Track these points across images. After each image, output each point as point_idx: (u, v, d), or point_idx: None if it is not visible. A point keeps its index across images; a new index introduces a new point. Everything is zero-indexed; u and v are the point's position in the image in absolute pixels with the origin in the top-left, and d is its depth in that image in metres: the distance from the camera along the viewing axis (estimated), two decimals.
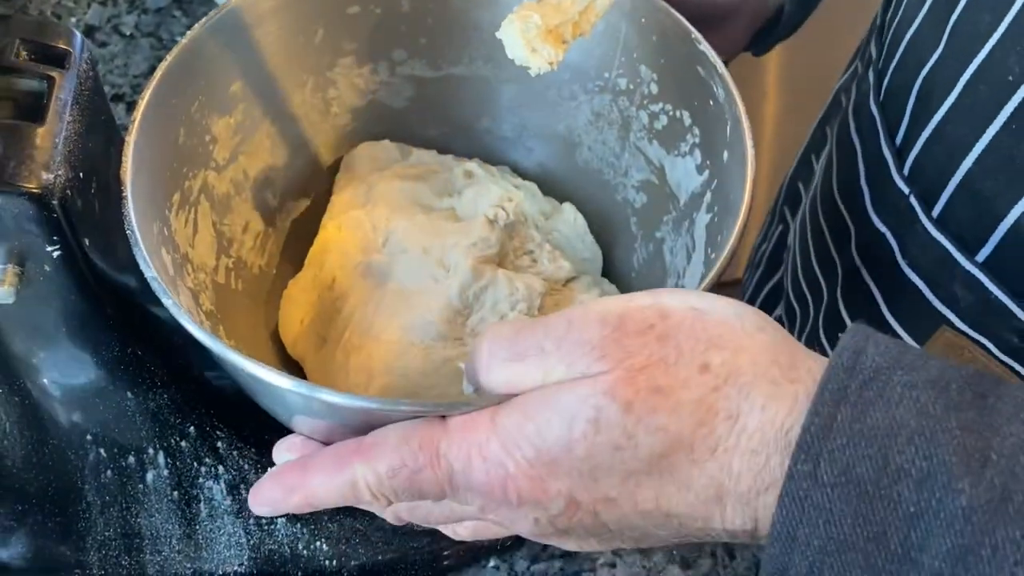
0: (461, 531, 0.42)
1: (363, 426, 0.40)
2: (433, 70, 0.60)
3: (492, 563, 0.59)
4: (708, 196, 0.52)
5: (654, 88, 0.55)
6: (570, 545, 0.39)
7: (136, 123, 0.46)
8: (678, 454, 0.34)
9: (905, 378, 0.33)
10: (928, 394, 0.33)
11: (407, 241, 0.55)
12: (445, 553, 0.58)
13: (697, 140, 0.53)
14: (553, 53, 0.44)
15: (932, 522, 0.32)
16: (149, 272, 0.43)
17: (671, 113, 0.55)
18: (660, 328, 0.35)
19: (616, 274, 0.60)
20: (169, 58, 0.49)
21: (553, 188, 0.62)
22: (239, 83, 0.54)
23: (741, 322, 0.36)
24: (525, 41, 0.44)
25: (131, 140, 0.46)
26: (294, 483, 0.40)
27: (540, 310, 0.54)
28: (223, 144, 0.54)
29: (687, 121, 0.54)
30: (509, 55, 0.45)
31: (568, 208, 0.60)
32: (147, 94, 0.48)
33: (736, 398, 0.34)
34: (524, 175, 0.63)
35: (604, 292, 0.58)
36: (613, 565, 0.59)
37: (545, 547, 0.59)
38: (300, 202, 0.60)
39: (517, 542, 0.59)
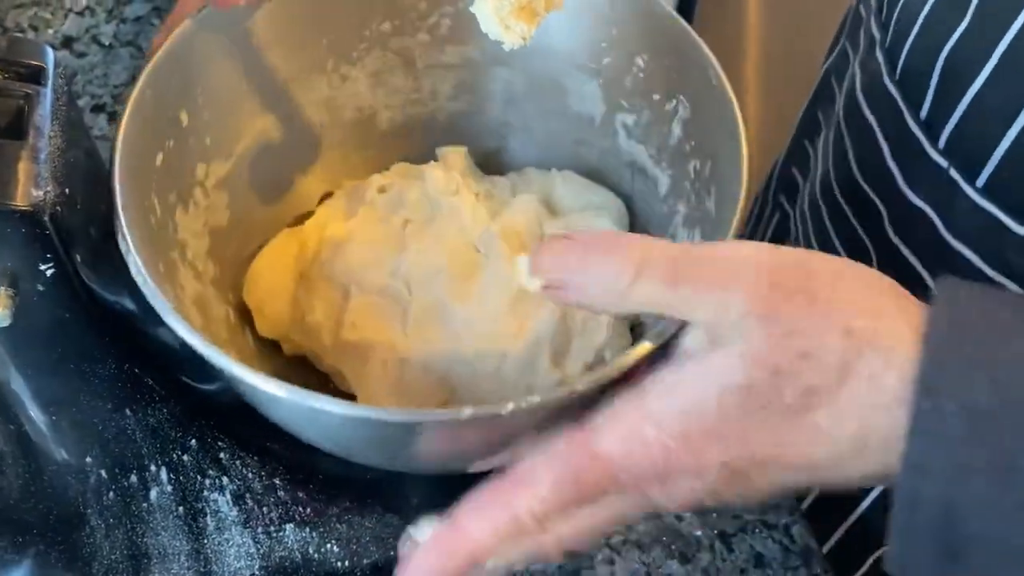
0: (608, 530, 0.43)
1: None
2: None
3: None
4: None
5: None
6: (707, 502, 0.40)
7: (116, 165, 0.45)
8: (822, 409, 0.37)
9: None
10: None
11: (422, 262, 0.55)
12: None
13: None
14: (526, 29, 0.44)
15: None
16: (157, 300, 0.42)
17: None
18: (809, 290, 0.37)
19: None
20: (133, 95, 0.48)
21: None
22: (184, 112, 0.52)
23: (880, 283, 0.39)
24: (498, 18, 0.44)
25: (116, 184, 0.45)
26: (452, 545, 0.40)
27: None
28: (194, 186, 0.53)
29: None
30: (483, 30, 0.45)
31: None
32: (118, 137, 0.46)
33: (877, 360, 0.36)
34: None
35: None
36: (612, 562, 0.59)
37: None
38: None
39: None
